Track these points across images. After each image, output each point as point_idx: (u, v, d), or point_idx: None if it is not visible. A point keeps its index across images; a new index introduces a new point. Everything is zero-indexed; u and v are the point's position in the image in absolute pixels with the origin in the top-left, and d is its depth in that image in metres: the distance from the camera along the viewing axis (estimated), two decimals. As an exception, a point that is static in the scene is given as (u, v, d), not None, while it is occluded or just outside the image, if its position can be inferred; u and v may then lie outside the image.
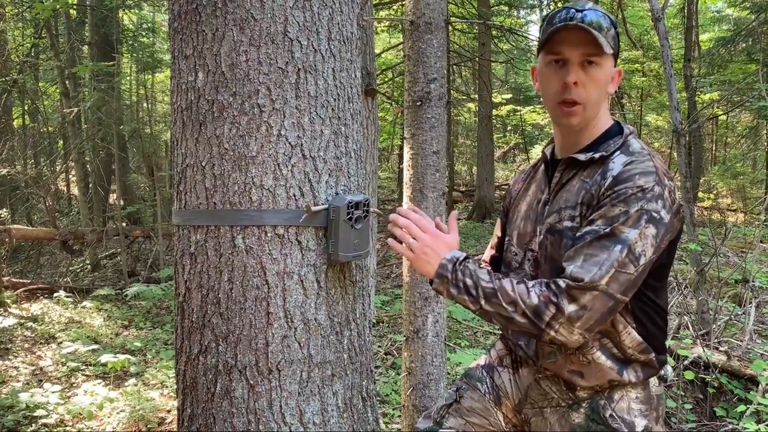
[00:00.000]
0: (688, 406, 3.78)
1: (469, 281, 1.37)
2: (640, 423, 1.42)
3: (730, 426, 3.41)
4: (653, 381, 1.47)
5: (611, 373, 1.41)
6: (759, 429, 3.08)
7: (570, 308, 1.27)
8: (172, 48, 1.62)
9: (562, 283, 1.29)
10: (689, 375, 3.79)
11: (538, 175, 1.62)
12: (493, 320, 1.37)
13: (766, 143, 13.81)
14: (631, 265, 1.28)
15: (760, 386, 3.62)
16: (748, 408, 3.44)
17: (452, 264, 1.40)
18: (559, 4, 9.93)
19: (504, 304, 1.33)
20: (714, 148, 16.54)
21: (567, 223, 1.41)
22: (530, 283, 1.34)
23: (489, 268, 1.75)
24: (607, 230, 1.29)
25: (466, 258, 1.42)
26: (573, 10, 1.39)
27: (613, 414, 1.42)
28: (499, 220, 1.77)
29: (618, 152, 1.41)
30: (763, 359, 3.97)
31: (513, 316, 1.32)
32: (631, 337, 1.40)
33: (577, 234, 1.35)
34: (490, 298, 1.34)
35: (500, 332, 1.72)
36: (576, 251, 1.31)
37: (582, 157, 1.43)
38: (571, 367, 1.44)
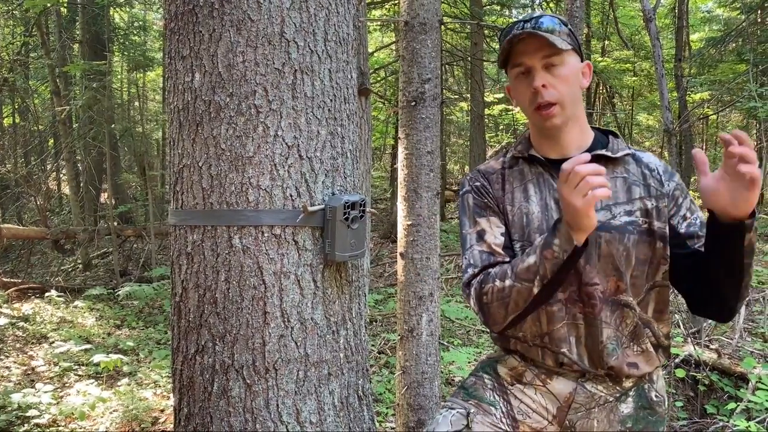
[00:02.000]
0: (679, 404, 3.82)
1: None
2: (666, 397, 1.57)
3: (721, 423, 3.45)
4: None
5: (656, 360, 1.51)
6: (749, 426, 3.11)
7: None
8: (169, 48, 1.63)
9: None
10: (680, 373, 3.82)
11: (527, 176, 1.54)
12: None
13: (755, 142, 13.91)
14: None
15: (750, 384, 3.65)
16: (738, 405, 3.48)
17: None
18: (551, 5, 9.97)
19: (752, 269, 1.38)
20: (704, 147, 16.66)
21: (624, 218, 1.44)
22: None
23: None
24: (698, 220, 1.48)
25: None
26: (522, 23, 1.46)
27: (657, 393, 1.54)
28: (486, 219, 1.54)
29: (634, 150, 1.54)
30: (753, 357, 4.02)
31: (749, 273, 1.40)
32: (667, 324, 1.53)
33: (684, 228, 1.47)
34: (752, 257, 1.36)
35: (506, 342, 1.59)
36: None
37: (610, 153, 1.49)
38: (629, 360, 1.47)
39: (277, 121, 1.53)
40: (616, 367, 1.47)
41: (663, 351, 1.53)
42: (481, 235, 1.53)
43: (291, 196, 1.55)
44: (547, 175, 1.53)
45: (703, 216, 1.47)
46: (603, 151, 1.49)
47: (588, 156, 1.25)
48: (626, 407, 1.50)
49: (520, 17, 1.51)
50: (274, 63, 1.52)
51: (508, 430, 1.53)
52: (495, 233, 1.52)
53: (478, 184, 1.58)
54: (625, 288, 1.45)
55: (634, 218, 1.44)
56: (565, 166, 1.25)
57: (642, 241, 1.43)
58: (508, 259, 1.49)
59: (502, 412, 1.54)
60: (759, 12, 9.92)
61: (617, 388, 1.50)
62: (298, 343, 1.56)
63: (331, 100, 1.61)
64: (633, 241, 1.43)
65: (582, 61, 1.51)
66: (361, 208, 1.61)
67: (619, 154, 1.49)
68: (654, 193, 1.46)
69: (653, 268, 1.46)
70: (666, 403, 1.56)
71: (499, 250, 1.49)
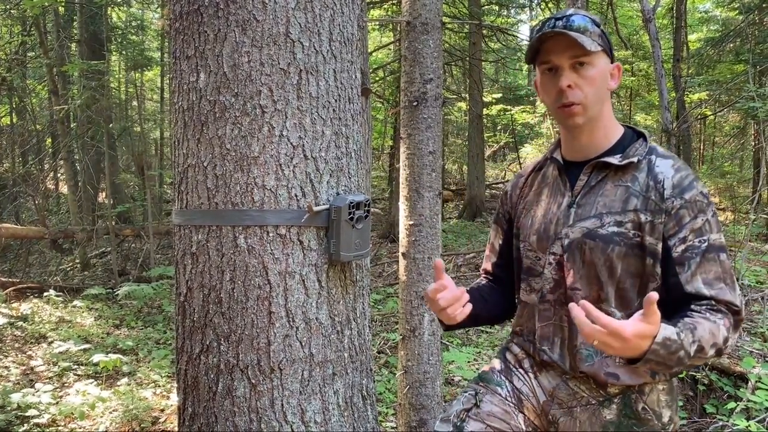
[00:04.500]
0: (679, 403, 3.82)
1: (681, 354, 1.25)
2: (666, 414, 1.48)
3: (720, 423, 3.45)
4: None
5: (646, 375, 1.45)
6: (749, 425, 3.12)
7: (735, 336, 1.36)
8: (174, 48, 1.63)
9: (726, 311, 1.34)
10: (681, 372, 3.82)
11: (547, 179, 1.59)
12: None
13: (753, 142, 13.95)
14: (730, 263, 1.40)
15: (749, 383, 3.66)
16: (737, 405, 3.48)
17: (661, 348, 1.23)
18: (550, 5, 9.98)
19: (707, 355, 1.30)
20: (702, 147, 16.67)
21: (613, 229, 1.41)
22: (711, 316, 1.32)
23: (486, 281, 1.74)
24: (705, 244, 1.37)
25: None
26: (554, 20, 1.45)
27: (645, 407, 1.47)
28: (495, 226, 1.72)
29: (653, 156, 1.45)
30: (753, 357, 4.03)
31: (709, 358, 1.32)
32: None
33: (678, 253, 1.38)
34: (696, 355, 1.28)
35: (511, 335, 1.69)
36: (693, 273, 1.36)
37: (615, 160, 1.45)
38: (608, 369, 1.45)
39: (282, 121, 1.53)
40: (589, 373, 1.46)
41: None
42: (490, 240, 1.75)
43: (296, 196, 1.55)
44: (559, 179, 1.54)
45: (720, 241, 1.38)
46: (609, 159, 1.46)
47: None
48: (609, 413, 1.48)
49: (553, 14, 1.49)
50: (279, 63, 1.52)
51: (514, 409, 1.57)
52: (495, 243, 1.72)
53: (508, 189, 1.70)
54: (606, 298, 1.43)
55: (624, 230, 1.40)
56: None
57: (632, 254, 1.40)
58: (489, 267, 1.73)
59: (508, 391, 1.60)
60: (757, 12, 9.94)
61: (601, 392, 1.48)
62: (303, 343, 1.56)
63: (335, 100, 1.61)
64: (618, 253, 1.40)
65: (612, 63, 1.48)
66: (366, 208, 1.61)
67: (625, 162, 1.44)
68: (651, 207, 1.39)
69: (643, 283, 1.42)
70: (663, 417, 1.48)
71: (494, 257, 1.72)
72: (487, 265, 1.74)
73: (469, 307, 1.43)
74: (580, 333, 1.20)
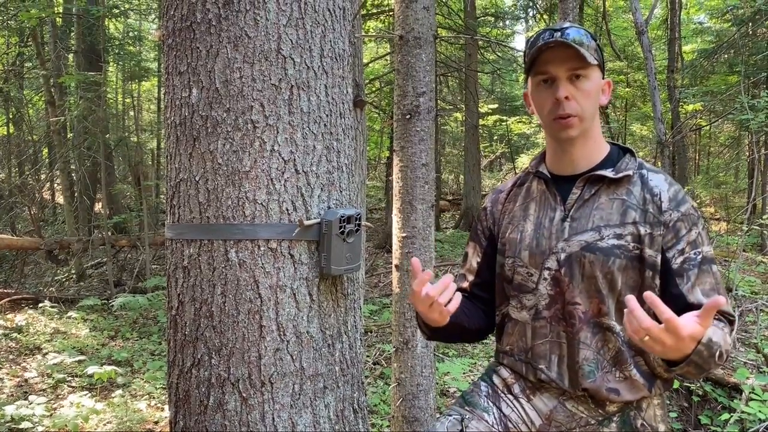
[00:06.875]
0: (674, 415, 3.83)
1: (715, 356, 1.24)
2: (662, 428, 1.49)
3: (715, 434, 3.46)
4: None
5: (643, 389, 1.44)
6: (742, 437, 3.12)
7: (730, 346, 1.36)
8: (166, 64, 1.64)
9: (725, 320, 1.36)
10: (674, 384, 3.83)
11: (533, 193, 1.57)
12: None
13: (747, 153, 14.01)
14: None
15: (743, 394, 3.67)
16: (732, 416, 3.49)
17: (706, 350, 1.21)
18: (545, 16, 10.05)
19: (722, 361, 1.28)
20: (697, 157, 16.75)
21: (613, 241, 1.40)
22: (717, 323, 1.32)
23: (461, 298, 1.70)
24: (699, 256, 1.40)
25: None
26: (552, 31, 1.44)
27: (644, 423, 1.47)
28: (473, 244, 1.68)
29: (644, 170, 1.47)
30: (746, 368, 4.04)
31: (719, 365, 1.30)
32: None
33: (677, 265, 1.40)
34: (718, 360, 1.26)
35: (498, 356, 1.64)
36: (693, 285, 1.39)
37: (610, 173, 1.45)
38: (609, 385, 1.43)
39: (273, 136, 1.54)
40: (591, 389, 1.44)
41: (662, 382, 1.47)
42: (465, 257, 1.71)
43: (287, 210, 1.56)
44: (548, 193, 1.53)
45: (711, 252, 1.41)
46: (603, 172, 1.46)
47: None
48: None
49: (549, 26, 1.48)
50: (270, 79, 1.54)
51: None
52: (472, 261, 1.68)
53: (488, 205, 1.67)
54: (607, 311, 1.42)
55: (623, 242, 1.40)
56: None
57: (631, 266, 1.40)
58: (466, 286, 1.67)
59: (495, 418, 1.55)
60: (750, 24, 10.02)
61: (600, 411, 1.47)
62: (294, 357, 1.57)
63: (327, 115, 1.62)
64: (619, 265, 1.39)
65: (603, 78, 1.49)
66: (357, 221, 1.63)
67: (620, 175, 1.44)
68: (650, 219, 1.40)
69: (641, 295, 1.41)
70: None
71: (470, 276, 1.67)
72: (463, 284, 1.68)
73: (459, 297, 1.37)
74: (631, 326, 1.16)
